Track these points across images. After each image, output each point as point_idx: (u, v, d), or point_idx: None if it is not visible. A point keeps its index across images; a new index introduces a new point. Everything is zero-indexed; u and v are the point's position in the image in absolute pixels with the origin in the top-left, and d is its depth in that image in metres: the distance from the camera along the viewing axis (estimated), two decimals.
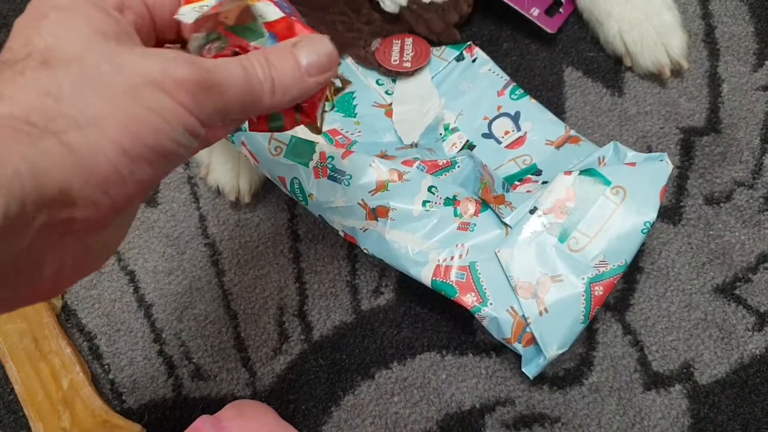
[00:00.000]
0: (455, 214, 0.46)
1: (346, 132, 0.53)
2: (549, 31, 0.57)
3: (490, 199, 0.46)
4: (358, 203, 0.46)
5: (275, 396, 0.49)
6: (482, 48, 0.57)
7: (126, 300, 0.52)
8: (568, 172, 0.46)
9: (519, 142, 0.53)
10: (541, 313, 0.43)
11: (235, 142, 0.48)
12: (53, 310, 0.51)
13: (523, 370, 0.45)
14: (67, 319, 0.51)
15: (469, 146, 0.54)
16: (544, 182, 0.51)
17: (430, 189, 0.46)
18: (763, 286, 0.50)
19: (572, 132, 0.53)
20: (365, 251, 0.47)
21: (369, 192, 0.46)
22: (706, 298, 0.50)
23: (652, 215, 0.45)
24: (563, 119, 0.57)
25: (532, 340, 0.44)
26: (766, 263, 0.51)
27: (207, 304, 0.51)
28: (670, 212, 0.53)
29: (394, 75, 0.55)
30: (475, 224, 0.46)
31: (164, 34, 0.28)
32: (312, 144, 0.47)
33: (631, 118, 0.56)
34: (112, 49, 0.23)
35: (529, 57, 0.59)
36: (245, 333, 0.50)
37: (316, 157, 0.46)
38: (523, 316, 0.43)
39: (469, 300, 0.44)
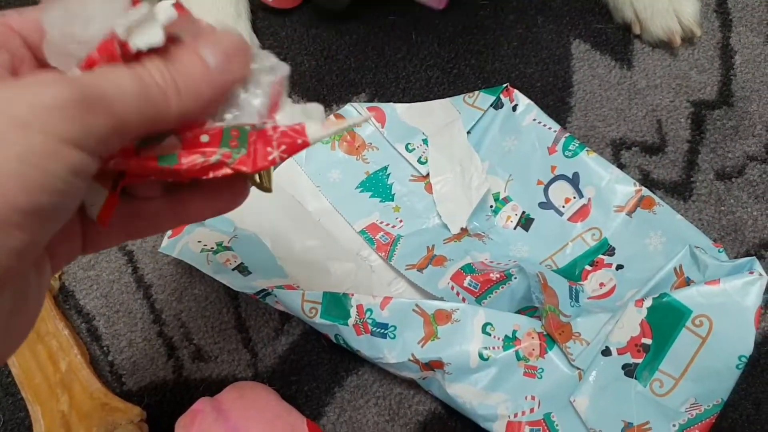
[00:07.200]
0: (518, 358, 0.42)
1: (387, 225, 0.50)
2: (436, 7, 0.51)
3: (556, 334, 0.42)
4: (409, 359, 0.43)
5: (277, 377, 0.48)
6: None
7: (124, 281, 0.51)
8: (639, 302, 0.41)
9: (583, 212, 0.49)
10: None
11: (269, 303, 0.46)
12: (50, 291, 0.50)
13: None
14: (64, 300, 0.50)
15: (527, 219, 0.50)
16: (619, 266, 0.47)
17: (484, 329, 0.43)
18: None
19: (644, 191, 0.48)
20: (430, 392, 0.46)
21: (418, 343, 0.43)
22: None
23: (747, 348, 0.39)
24: (570, 93, 0.55)
25: None
26: None
27: (207, 284, 0.50)
28: (680, 188, 0.52)
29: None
30: (542, 369, 0.42)
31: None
32: (347, 298, 0.44)
33: (640, 92, 0.55)
34: None
35: (536, 29, 0.57)
36: (246, 313, 0.49)
37: (353, 312, 0.44)
38: None
39: None
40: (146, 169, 0.23)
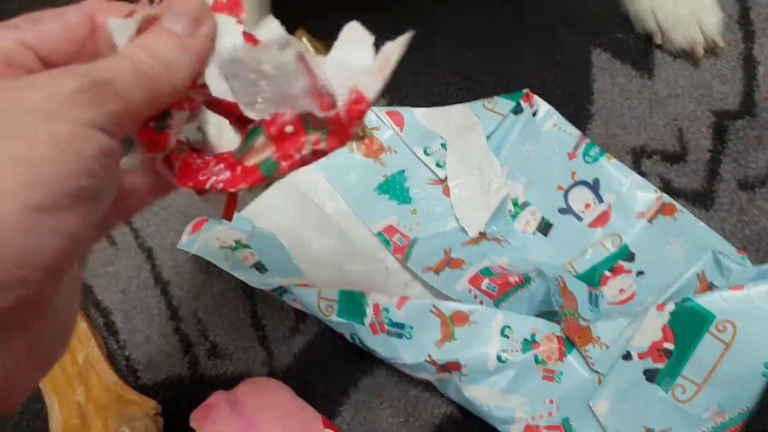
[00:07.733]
0: (537, 361, 0.42)
1: (404, 227, 0.50)
2: None
3: (575, 338, 0.42)
4: (426, 360, 0.42)
5: (292, 375, 0.48)
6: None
7: (143, 277, 0.51)
8: (661, 306, 0.40)
9: (603, 218, 0.49)
10: None
11: (285, 300, 0.47)
12: None
13: None
14: (83, 295, 0.51)
15: (546, 224, 0.49)
16: (639, 273, 0.47)
17: (503, 332, 0.42)
18: None
19: (665, 197, 0.48)
20: (447, 395, 0.45)
21: (434, 343, 0.43)
22: None
23: None
24: (591, 101, 0.55)
25: None
26: None
27: (224, 282, 0.50)
28: (701, 197, 0.51)
29: None
30: (561, 372, 0.42)
31: None
32: (363, 297, 0.44)
33: (661, 101, 0.55)
34: None
35: (556, 38, 0.57)
36: (262, 311, 0.49)
37: (369, 311, 0.44)
38: None
39: None
40: (255, 183, 0.25)
